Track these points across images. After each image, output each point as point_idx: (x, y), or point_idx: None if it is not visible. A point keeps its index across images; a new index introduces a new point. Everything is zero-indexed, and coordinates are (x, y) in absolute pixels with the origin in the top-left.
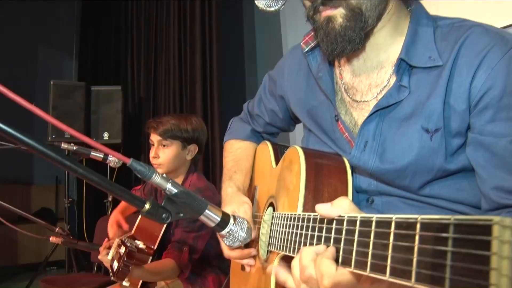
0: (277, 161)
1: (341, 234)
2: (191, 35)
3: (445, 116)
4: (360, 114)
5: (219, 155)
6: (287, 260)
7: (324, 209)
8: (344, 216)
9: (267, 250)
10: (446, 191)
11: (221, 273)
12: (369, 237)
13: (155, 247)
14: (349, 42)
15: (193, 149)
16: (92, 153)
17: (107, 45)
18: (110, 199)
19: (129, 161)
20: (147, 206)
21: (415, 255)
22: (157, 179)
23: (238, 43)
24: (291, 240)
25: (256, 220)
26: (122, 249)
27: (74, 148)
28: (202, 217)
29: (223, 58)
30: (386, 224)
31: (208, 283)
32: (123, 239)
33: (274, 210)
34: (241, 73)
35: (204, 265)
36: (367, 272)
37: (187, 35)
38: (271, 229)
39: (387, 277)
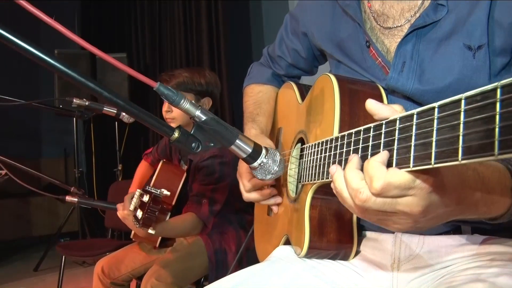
0: (303, 98)
1: (394, 136)
2: None
3: (489, 32)
4: (392, 41)
5: (228, 116)
6: (321, 193)
7: (375, 105)
8: (396, 116)
9: (297, 187)
10: None
11: (241, 229)
12: (432, 126)
13: (173, 203)
14: None
15: (206, 102)
16: (105, 108)
17: (110, 11)
18: (120, 168)
19: (156, 85)
20: (176, 134)
21: (497, 123)
22: (185, 105)
23: (244, 2)
24: (328, 164)
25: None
26: (146, 198)
27: (86, 103)
28: (233, 147)
29: (229, 20)
30: (454, 104)
31: (228, 239)
32: (145, 188)
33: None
34: (247, 34)
35: (224, 222)
36: (432, 164)
37: None
38: (300, 163)
39: (459, 160)
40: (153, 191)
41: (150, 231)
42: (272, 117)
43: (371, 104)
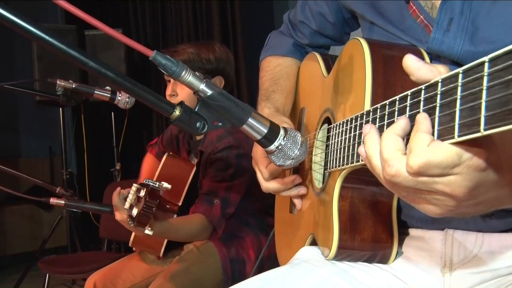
0: (329, 71)
1: (435, 102)
2: None
3: None
4: None
5: (246, 98)
6: (352, 181)
7: (414, 62)
8: (437, 79)
9: (324, 175)
10: None
11: (262, 234)
12: (481, 85)
13: (180, 203)
14: None
15: (218, 82)
16: (96, 91)
17: None
18: (118, 167)
19: (152, 54)
20: (177, 111)
21: None
22: (187, 77)
23: None
24: (358, 144)
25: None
26: (142, 193)
27: (73, 85)
28: (245, 127)
29: None
30: (508, 56)
31: (245, 244)
32: (143, 182)
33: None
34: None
35: (240, 224)
36: (481, 132)
37: None
38: (327, 146)
39: None
40: (150, 183)
41: (147, 231)
42: (293, 96)
43: (409, 61)
